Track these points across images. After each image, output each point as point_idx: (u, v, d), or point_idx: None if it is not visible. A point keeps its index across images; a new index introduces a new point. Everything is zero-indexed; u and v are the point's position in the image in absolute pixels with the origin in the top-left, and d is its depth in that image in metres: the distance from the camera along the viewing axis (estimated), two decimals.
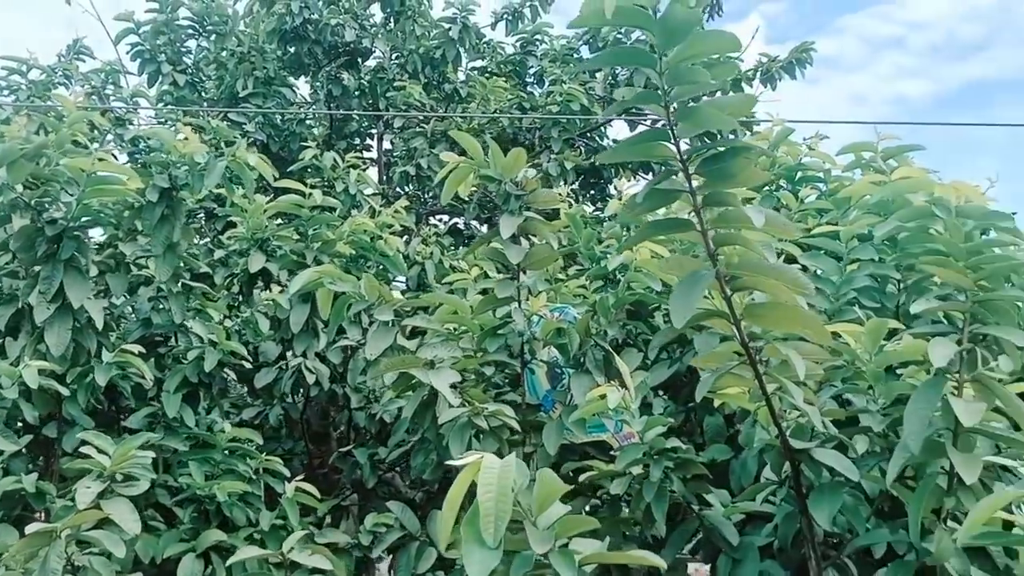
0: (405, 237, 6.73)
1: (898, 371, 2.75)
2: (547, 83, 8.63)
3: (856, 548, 2.57)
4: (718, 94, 2.32)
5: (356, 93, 8.36)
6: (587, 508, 3.49)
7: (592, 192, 9.10)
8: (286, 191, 4.72)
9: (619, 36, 8.03)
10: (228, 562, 2.88)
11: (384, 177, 8.67)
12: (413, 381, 3.19)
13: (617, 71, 8.29)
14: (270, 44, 8.32)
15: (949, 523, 2.20)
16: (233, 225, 5.07)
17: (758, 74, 8.56)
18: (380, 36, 8.67)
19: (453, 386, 3.28)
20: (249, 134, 7.62)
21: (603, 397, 2.86)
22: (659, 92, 2.06)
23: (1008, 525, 2.05)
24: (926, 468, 2.32)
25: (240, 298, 5.12)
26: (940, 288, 2.62)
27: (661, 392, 3.84)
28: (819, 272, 3.50)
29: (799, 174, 4.49)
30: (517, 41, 9.40)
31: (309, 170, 6.47)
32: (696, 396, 2.38)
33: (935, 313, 2.61)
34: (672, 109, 2.08)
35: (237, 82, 7.98)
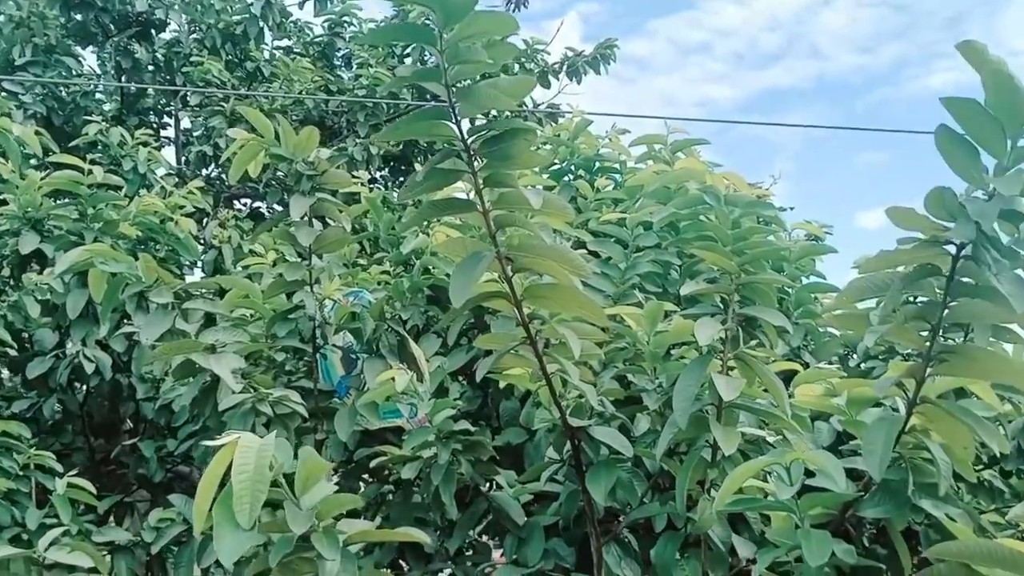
0: (204, 220, 6.45)
1: (672, 352, 2.88)
2: (355, 66, 8.48)
3: (630, 522, 2.68)
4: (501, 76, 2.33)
5: (149, 67, 7.89)
6: (380, 493, 3.47)
7: (401, 179, 9.04)
8: (62, 166, 4.41)
9: (427, 21, 7.99)
10: None
11: (183, 158, 8.25)
12: (196, 367, 3.03)
13: (426, 56, 8.25)
14: (51, 10, 7.70)
15: (712, 493, 2.31)
16: (4, 203, 4.67)
17: (564, 67, 8.77)
18: (176, 8, 8.20)
19: (245, 375, 3.16)
20: (27, 106, 7.04)
21: (392, 380, 2.84)
22: (440, 70, 2.06)
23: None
24: (695, 443, 2.43)
25: (11, 282, 4.74)
26: (711, 272, 2.76)
27: (460, 378, 3.86)
28: (608, 258, 3.62)
29: (596, 164, 4.63)
30: (325, 22, 9.17)
31: (98, 146, 6.08)
32: (476, 376, 2.39)
33: (711, 297, 2.75)
34: (453, 89, 2.07)
35: (13, 49, 7.34)
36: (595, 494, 2.50)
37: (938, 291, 1.79)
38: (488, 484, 3.15)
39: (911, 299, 2.09)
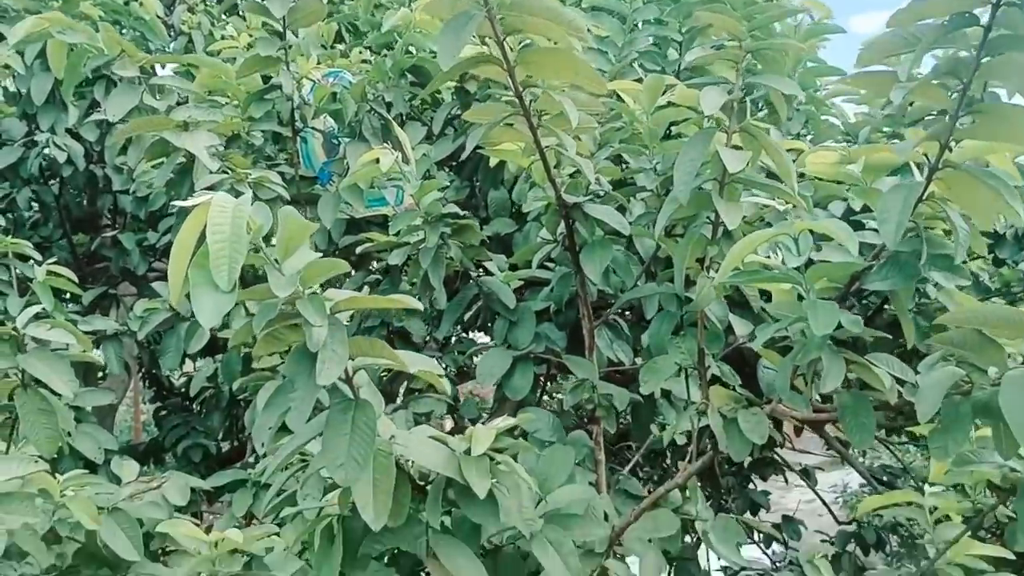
0: (172, 6, 6.08)
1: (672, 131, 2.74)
2: None
3: (625, 302, 2.62)
4: None
5: None
6: (366, 282, 3.41)
7: None
8: None
9: None
10: None
11: None
12: (169, 146, 2.87)
13: None
14: None
15: (711, 273, 2.23)
16: None
17: None
18: None
19: (222, 156, 3.00)
20: None
21: (376, 161, 2.70)
22: None
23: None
24: (694, 220, 2.33)
25: None
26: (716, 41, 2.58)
27: (446, 168, 3.72)
28: (606, 36, 3.40)
29: None
30: None
31: None
32: (467, 147, 2.25)
33: (712, 69, 2.58)
34: None
35: None
36: (590, 272, 2.42)
37: (973, 45, 1.63)
38: (478, 270, 3.09)
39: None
